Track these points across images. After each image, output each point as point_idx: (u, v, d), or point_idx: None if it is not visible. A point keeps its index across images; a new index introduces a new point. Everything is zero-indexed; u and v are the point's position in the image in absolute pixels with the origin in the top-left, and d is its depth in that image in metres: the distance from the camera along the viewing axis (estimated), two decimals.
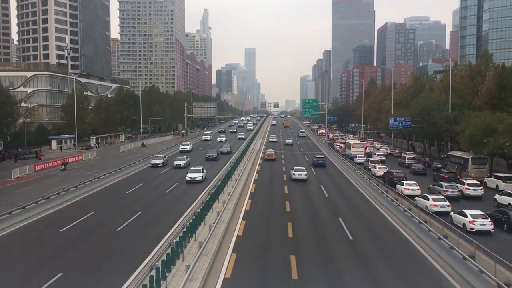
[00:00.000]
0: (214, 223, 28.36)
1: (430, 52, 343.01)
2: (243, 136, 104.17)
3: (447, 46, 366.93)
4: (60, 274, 21.28)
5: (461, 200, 39.18)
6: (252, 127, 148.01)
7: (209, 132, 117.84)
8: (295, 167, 52.64)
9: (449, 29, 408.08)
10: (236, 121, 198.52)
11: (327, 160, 68.64)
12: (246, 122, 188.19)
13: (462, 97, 72.01)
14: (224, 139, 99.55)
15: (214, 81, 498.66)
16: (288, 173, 53.96)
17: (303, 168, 52.98)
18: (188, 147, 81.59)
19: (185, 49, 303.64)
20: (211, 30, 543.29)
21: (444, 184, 41.41)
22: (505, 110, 56.33)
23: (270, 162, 66.04)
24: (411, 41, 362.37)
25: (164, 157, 63.89)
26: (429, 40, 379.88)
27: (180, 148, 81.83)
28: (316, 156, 66.85)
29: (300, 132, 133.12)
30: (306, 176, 50.59)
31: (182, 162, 59.40)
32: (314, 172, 56.98)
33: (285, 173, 55.25)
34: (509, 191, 37.68)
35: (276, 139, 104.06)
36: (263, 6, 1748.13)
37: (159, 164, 60.74)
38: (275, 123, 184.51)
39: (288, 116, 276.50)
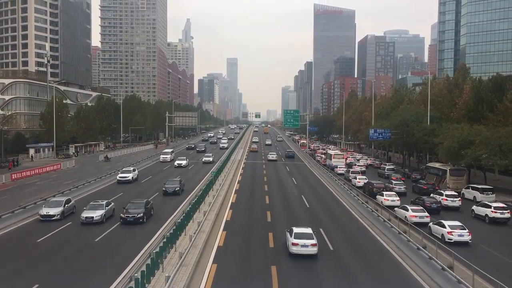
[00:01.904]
0: (194, 233, 28.16)
1: (409, 64, 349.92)
2: (210, 160, 79.59)
3: (426, 59, 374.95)
4: (37, 285, 20.85)
5: (440, 212, 39.68)
6: (226, 145, 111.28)
7: (169, 150, 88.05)
8: (269, 152, 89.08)
9: (427, 42, 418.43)
10: (212, 134, 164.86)
11: (309, 170, 70.95)
12: (221, 136, 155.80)
13: (440, 109, 73.48)
14: (184, 163, 73.52)
15: (196, 90, 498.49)
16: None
17: (275, 152, 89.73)
18: (129, 176, 55.55)
19: (167, 58, 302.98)
20: (193, 39, 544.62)
21: (394, 182, 51.77)
22: (482, 123, 57.78)
23: (253, 153, 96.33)
24: (391, 53, 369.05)
25: (68, 201, 36.59)
26: (408, 53, 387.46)
27: (118, 177, 55.47)
28: (287, 150, 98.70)
29: (278, 137, 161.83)
30: (276, 157, 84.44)
31: (96, 214, 33.16)
32: (296, 183, 57.46)
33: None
34: (486, 202, 38.44)
35: (258, 140, 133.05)
36: (246, 17, 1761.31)
37: (54, 215, 34.00)
38: (257, 130, 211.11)
39: (268, 125, 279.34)
